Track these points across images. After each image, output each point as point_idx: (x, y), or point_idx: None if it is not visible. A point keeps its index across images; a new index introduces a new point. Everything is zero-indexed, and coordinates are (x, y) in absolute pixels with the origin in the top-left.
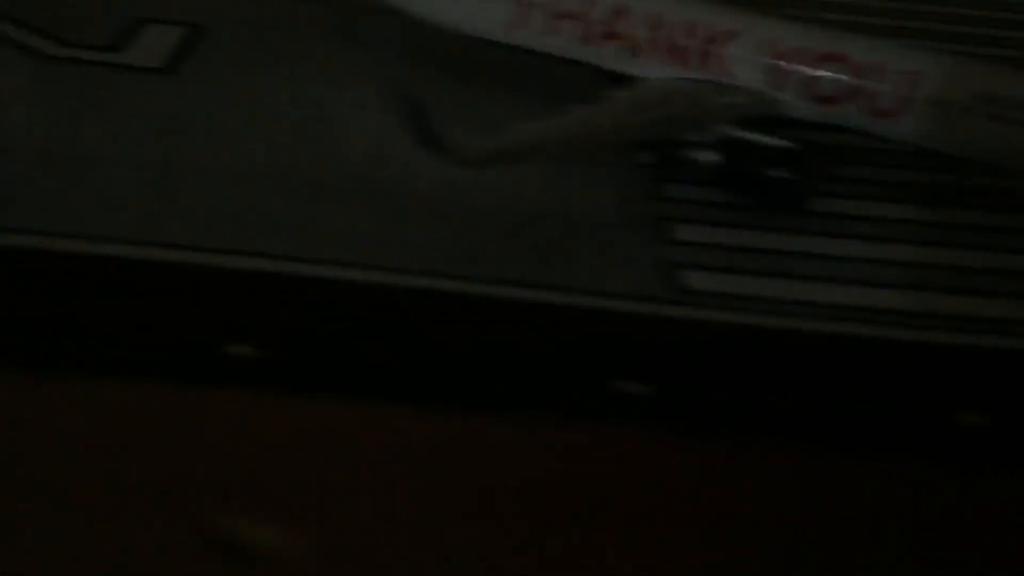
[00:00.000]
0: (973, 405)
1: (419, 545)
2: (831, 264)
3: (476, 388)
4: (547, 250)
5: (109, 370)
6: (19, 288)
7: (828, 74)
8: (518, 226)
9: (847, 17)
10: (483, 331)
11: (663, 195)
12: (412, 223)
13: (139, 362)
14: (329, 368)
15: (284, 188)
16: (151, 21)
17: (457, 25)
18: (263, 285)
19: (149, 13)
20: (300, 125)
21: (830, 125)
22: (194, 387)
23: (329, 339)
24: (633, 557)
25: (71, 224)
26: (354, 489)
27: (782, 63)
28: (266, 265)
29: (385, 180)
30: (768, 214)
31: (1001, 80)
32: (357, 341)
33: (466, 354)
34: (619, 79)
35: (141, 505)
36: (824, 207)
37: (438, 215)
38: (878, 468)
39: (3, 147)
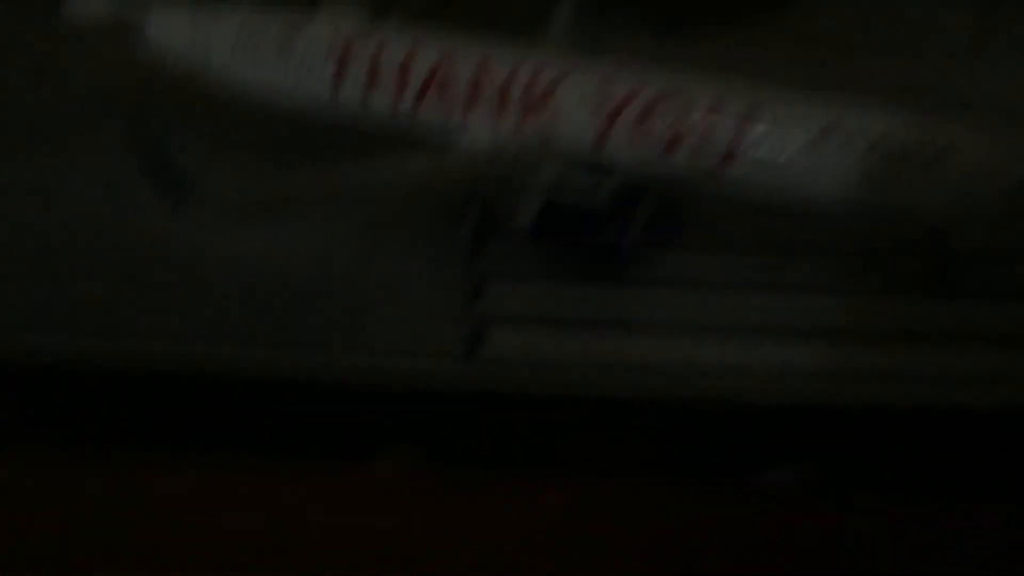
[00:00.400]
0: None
1: None
2: (650, 326)
3: None
4: (337, 320)
5: None
6: None
7: (661, 120)
8: (297, 296)
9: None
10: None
11: (477, 255)
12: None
13: None
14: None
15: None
16: None
17: (273, 92)
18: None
19: None
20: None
21: (665, 175)
22: None
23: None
24: None
25: None
26: None
27: (612, 110)
28: None
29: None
30: (589, 275)
31: (833, 114)
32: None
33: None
34: (439, 136)
35: None
36: (647, 268)
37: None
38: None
39: None
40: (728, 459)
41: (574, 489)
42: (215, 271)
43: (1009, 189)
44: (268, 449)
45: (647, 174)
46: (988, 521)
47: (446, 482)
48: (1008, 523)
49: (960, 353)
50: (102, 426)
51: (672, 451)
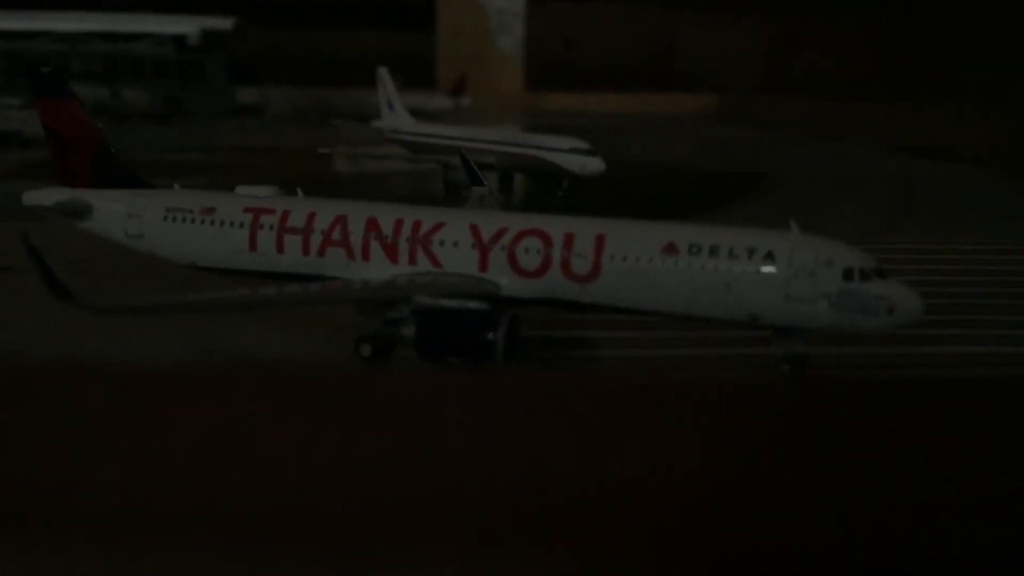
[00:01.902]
0: None
1: None
2: None
3: None
4: None
5: None
6: None
7: (527, 250)
8: None
9: None
10: None
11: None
12: None
13: None
14: None
15: None
16: None
17: (190, 259)
18: None
19: None
20: None
21: (539, 298)
22: None
23: None
24: None
25: None
26: None
27: (484, 245)
28: None
29: None
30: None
31: (685, 234)
32: None
33: None
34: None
35: None
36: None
37: None
38: None
39: None
40: None
41: None
42: None
43: None
44: None
45: (522, 295)
46: None
47: None
48: None
49: None
50: None
51: None
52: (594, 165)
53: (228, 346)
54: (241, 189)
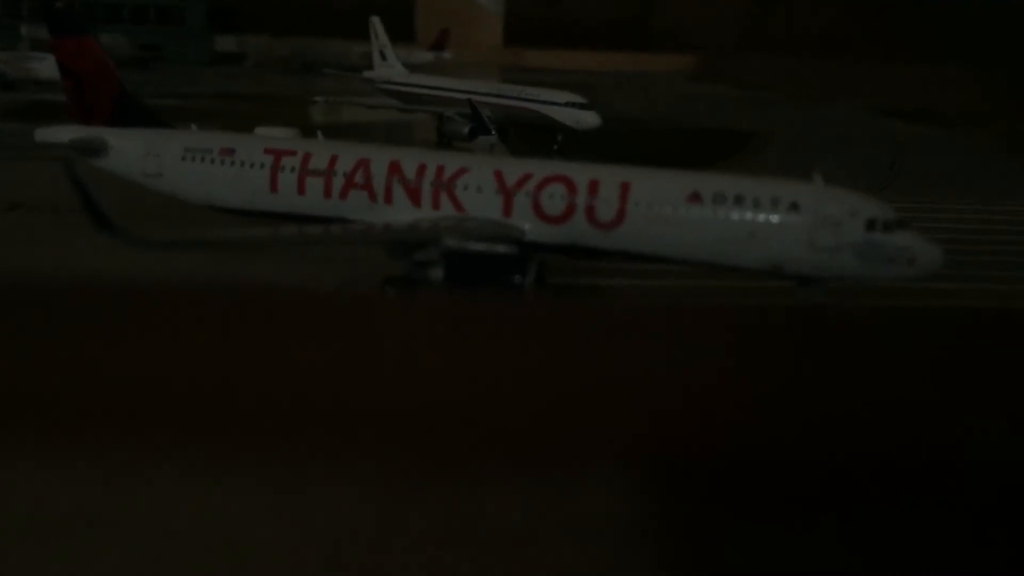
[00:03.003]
0: None
1: None
2: None
3: None
4: None
5: None
6: None
7: (551, 196)
8: None
9: None
10: None
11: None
12: None
13: None
14: None
15: None
16: None
17: (208, 199)
18: None
19: None
20: None
21: (564, 244)
22: None
23: None
24: None
25: None
26: None
27: (508, 190)
28: None
29: None
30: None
31: (709, 183)
32: None
33: None
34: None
35: None
36: None
37: None
38: None
39: None
40: None
41: None
42: None
43: None
44: None
45: (545, 240)
46: None
47: None
48: None
49: None
50: None
51: None
52: (589, 119)
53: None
54: (260, 131)
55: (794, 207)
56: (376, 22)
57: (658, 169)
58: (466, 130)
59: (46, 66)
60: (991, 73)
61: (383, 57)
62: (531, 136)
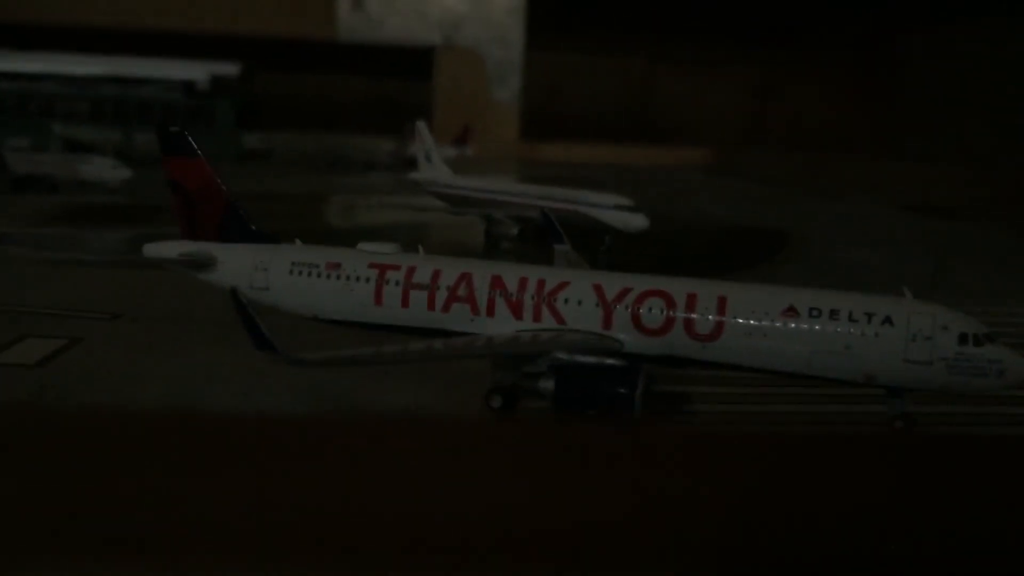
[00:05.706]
0: None
1: None
2: None
3: None
4: None
5: None
6: None
7: (651, 309)
8: None
9: None
10: None
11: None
12: None
13: None
14: None
15: None
16: None
17: (314, 311)
18: None
19: None
20: None
21: (660, 355)
22: None
23: None
24: None
25: None
26: None
27: (608, 303)
28: None
29: None
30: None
31: (804, 298)
32: None
33: None
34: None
35: None
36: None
37: None
38: None
39: None
40: None
41: None
42: None
43: None
44: None
45: (644, 351)
46: None
47: None
48: None
49: None
50: None
51: None
52: (638, 222)
53: (363, 399)
54: (363, 245)
55: (887, 321)
56: (422, 126)
57: (754, 284)
58: (515, 231)
59: (91, 169)
60: (990, 167)
61: (428, 159)
62: (577, 235)
